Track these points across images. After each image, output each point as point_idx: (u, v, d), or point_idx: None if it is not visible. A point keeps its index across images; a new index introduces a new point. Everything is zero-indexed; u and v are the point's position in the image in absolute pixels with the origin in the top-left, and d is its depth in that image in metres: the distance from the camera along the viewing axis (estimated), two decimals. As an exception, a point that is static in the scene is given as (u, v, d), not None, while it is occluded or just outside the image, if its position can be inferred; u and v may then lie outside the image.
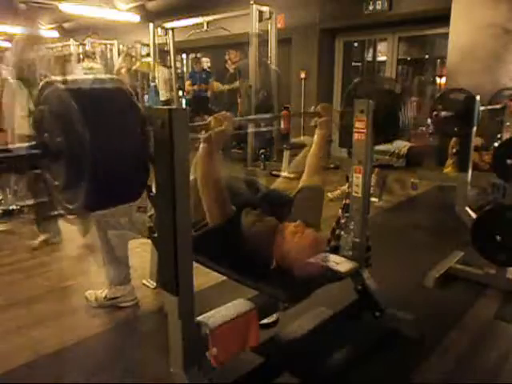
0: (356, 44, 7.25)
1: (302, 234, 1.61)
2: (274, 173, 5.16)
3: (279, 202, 1.84)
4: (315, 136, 1.98)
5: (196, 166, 1.53)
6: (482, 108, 2.57)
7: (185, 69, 9.48)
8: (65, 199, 1.08)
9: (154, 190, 1.25)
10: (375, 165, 3.78)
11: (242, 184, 1.89)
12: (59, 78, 0.98)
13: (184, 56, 9.34)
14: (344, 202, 2.21)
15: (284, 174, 4.90)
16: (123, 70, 7.23)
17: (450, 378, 1.76)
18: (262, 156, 5.90)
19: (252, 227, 1.63)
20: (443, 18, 5.00)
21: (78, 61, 7.86)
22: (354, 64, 7.35)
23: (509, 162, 2.53)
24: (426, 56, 6.90)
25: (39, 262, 2.93)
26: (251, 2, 4.91)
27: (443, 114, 2.59)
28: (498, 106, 3.14)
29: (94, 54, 8.29)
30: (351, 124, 2.00)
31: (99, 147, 0.93)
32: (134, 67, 7.33)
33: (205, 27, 5.83)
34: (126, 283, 2.27)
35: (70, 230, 3.64)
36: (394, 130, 2.09)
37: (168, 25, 6.61)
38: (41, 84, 1.04)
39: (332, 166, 6.06)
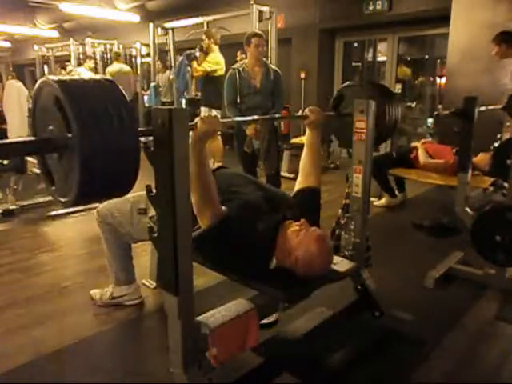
0: (356, 44, 7.25)
1: (307, 231, 1.61)
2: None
3: (280, 201, 1.84)
4: (306, 137, 1.98)
5: None
6: (482, 108, 2.57)
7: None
8: (58, 192, 1.10)
9: (153, 189, 1.25)
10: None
11: (243, 182, 1.89)
12: (54, 77, 1.01)
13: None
14: (344, 201, 2.21)
15: (284, 174, 4.92)
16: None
17: (450, 378, 1.76)
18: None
19: (252, 226, 1.63)
20: (443, 18, 5.00)
21: (79, 63, 7.88)
22: (354, 64, 7.35)
23: (509, 162, 2.53)
24: (426, 56, 6.90)
25: (39, 261, 2.93)
26: (251, 2, 4.90)
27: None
28: (498, 107, 3.14)
29: (94, 53, 8.31)
30: (341, 127, 2.02)
31: (87, 139, 0.95)
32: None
33: (205, 27, 5.83)
34: (132, 282, 2.28)
35: (70, 231, 3.64)
36: (386, 131, 2.11)
37: (168, 25, 6.60)
38: (37, 83, 1.07)
39: (332, 165, 6.07)
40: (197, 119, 1.47)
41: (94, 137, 0.96)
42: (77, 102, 0.96)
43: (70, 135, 0.97)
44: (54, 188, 1.13)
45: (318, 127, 1.94)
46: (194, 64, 5.34)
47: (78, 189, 1.00)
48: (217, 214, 1.57)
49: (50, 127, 1.04)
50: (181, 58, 6.05)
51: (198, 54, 5.38)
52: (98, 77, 1.03)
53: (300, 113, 1.95)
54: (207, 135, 1.49)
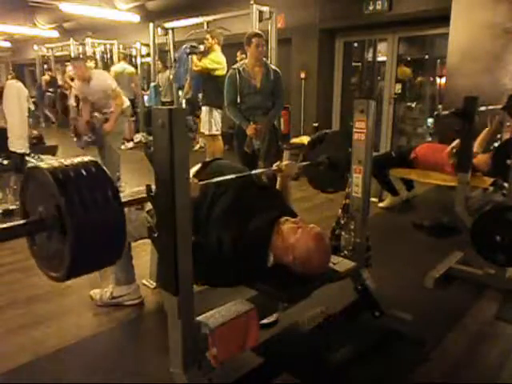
0: (356, 44, 7.25)
1: (305, 229, 1.61)
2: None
3: (276, 197, 1.85)
4: (278, 185, 2.05)
5: None
6: (482, 108, 2.57)
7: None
8: (49, 267, 1.17)
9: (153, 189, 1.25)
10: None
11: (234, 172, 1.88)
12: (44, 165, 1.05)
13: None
14: (344, 201, 2.21)
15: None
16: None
17: (449, 378, 1.77)
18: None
19: (247, 222, 1.63)
20: (443, 18, 5.00)
21: None
22: (354, 64, 7.35)
23: (509, 161, 2.53)
24: (426, 56, 6.90)
25: (39, 261, 2.93)
26: (251, 2, 4.91)
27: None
28: (498, 107, 3.14)
29: (94, 53, 8.31)
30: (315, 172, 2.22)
31: (76, 218, 1.00)
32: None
33: (205, 27, 5.83)
34: (131, 282, 2.29)
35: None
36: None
37: (168, 25, 6.61)
38: (27, 169, 1.12)
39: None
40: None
41: (82, 215, 1.01)
42: (65, 187, 1.00)
43: (60, 217, 1.01)
44: (43, 264, 1.19)
45: (290, 179, 2.06)
46: (194, 58, 5.34)
47: (68, 264, 1.06)
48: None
49: (40, 208, 1.08)
50: (184, 46, 6.01)
51: (202, 48, 5.38)
52: (84, 159, 1.08)
53: (275, 166, 2.01)
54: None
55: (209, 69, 5.11)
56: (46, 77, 10.35)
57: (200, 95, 5.99)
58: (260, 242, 1.62)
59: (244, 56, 4.28)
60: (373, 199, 4.00)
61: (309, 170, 2.26)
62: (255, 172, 1.87)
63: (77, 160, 1.07)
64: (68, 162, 1.06)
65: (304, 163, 2.19)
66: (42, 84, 10.44)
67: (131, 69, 7.66)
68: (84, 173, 1.04)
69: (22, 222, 1.13)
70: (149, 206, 1.88)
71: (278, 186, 2.05)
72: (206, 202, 1.73)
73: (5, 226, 1.07)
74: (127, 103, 4.75)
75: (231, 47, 5.71)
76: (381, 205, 4.20)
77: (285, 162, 1.99)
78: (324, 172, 2.17)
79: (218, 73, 5.07)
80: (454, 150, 3.63)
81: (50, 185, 1.00)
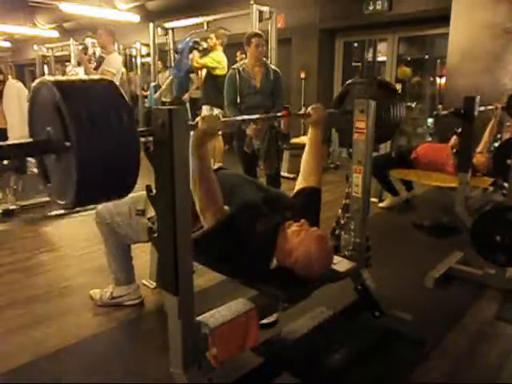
0: (356, 44, 7.25)
1: (307, 231, 1.60)
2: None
3: (280, 201, 1.84)
4: (308, 136, 1.97)
5: None
6: (482, 108, 2.57)
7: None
8: (56, 194, 1.09)
9: (153, 189, 1.25)
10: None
11: (243, 183, 1.89)
12: (52, 78, 1.00)
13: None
14: (344, 202, 2.21)
15: (284, 174, 4.92)
16: None
17: (450, 377, 1.77)
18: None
19: (252, 227, 1.62)
20: (443, 18, 5.00)
21: (79, 63, 7.88)
22: (354, 64, 7.35)
23: (509, 161, 2.53)
24: (426, 56, 6.90)
25: (39, 261, 2.93)
26: (251, 2, 4.91)
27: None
28: (499, 106, 3.14)
29: (94, 53, 8.30)
30: (345, 125, 2.01)
31: (85, 141, 0.94)
32: None
33: (205, 27, 5.83)
34: (131, 282, 2.29)
35: (70, 231, 3.64)
36: (389, 130, 2.11)
37: (168, 25, 6.60)
38: (34, 84, 1.06)
39: (332, 165, 6.07)
40: (198, 118, 1.47)
41: (93, 138, 0.95)
42: (75, 104, 0.95)
43: (67, 137, 0.96)
44: (51, 190, 1.12)
45: (321, 125, 1.93)
46: (195, 55, 5.37)
47: (75, 191, 0.99)
48: (221, 213, 1.57)
49: (48, 128, 1.02)
50: (188, 38, 6.00)
51: (205, 45, 5.40)
52: (96, 77, 1.00)
53: (303, 111, 1.95)
54: (208, 134, 1.49)
55: (209, 67, 5.14)
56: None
57: (186, 95, 6.11)
58: (264, 246, 1.62)
59: (244, 56, 4.28)
60: (373, 199, 4.00)
61: (340, 127, 2.17)
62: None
63: (90, 77, 1.00)
64: (79, 78, 0.99)
65: (332, 110, 2.09)
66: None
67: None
68: (96, 90, 0.97)
69: (28, 140, 1.05)
70: (150, 212, 1.90)
71: (308, 139, 1.96)
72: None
73: (9, 143, 0.99)
74: None
75: (231, 47, 5.70)
76: (381, 205, 4.20)
77: (312, 106, 1.91)
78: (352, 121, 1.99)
79: (217, 72, 5.08)
80: (454, 150, 3.64)
81: (56, 100, 0.94)
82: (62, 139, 0.97)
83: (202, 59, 5.21)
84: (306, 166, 1.94)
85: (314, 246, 1.57)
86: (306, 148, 1.96)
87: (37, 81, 1.06)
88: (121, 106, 1.01)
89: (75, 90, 0.99)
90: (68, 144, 0.96)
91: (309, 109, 1.90)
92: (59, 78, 1.01)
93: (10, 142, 1.00)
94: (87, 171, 0.97)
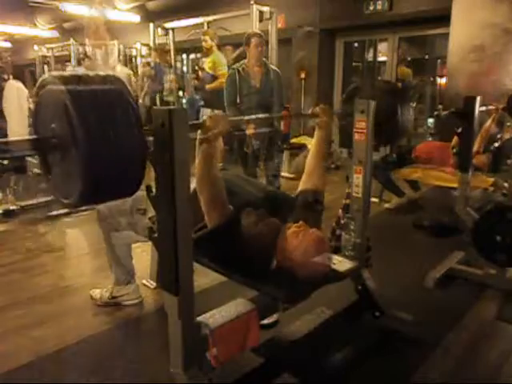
0: (356, 44, 7.25)
1: (306, 233, 1.61)
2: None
3: (281, 202, 1.84)
4: (314, 137, 1.97)
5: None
6: (482, 108, 2.57)
7: (185, 69, 9.48)
8: (60, 193, 1.08)
9: (153, 189, 1.25)
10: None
11: (243, 184, 1.89)
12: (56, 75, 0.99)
13: (184, 56, 9.35)
14: (344, 202, 2.21)
15: (284, 174, 4.92)
16: None
17: (450, 378, 1.76)
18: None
19: (253, 228, 1.63)
20: (443, 18, 5.00)
21: (79, 62, 7.87)
22: (354, 64, 7.35)
23: (509, 161, 2.53)
24: (426, 56, 6.90)
25: (39, 262, 2.93)
26: (251, 2, 4.91)
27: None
28: (499, 106, 3.14)
29: (94, 54, 8.29)
30: (351, 125, 2.00)
31: (91, 140, 0.93)
32: None
33: (205, 27, 5.83)
34: (131, 282, 2.29)
35: (70, 231, 3.64)
36: (396, 132, 2.11)
37: (168, 25, 6.60)
38: (39, 81, 1.05)
39: (333, 166, 6.06)
40: (205, 117, 1.46)
41: (99, 138, 0.94)
42: (81, 102, 0.94)
43: (73, 134, 0.95)
44: (55, 188, 1.11)
45: (327, 128, 1.94)
46: (202, 75, 5.23)
47: (80, 191, 0.98)
48: (226, 213, 1.57)
49: (53, 125, 1.01)
50: (154, 65, 6.37)
51: (204, 59, 5.35)
52: (103, 74, 0.98)
53: (310, 111, 1.94)
54: (217, 134, 1.48)
55: (219, 75, 4.98)
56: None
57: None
58: (265, 247, 1.62)
59: (233, 50, 4.26)
60: (373, 199, 4.00)
61: (342, 127, 2.16)
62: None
63: (96, 73, 0.97)
64: (85, 74, 0.97)
65: (340, 110, 2.11)
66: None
67: (127, 71, 7.65)
68: (102, 87, 0.95)
69: (33, 136, 1.04)
70: (151, 212, 1.89)
71: (314, 139, 1.95)
72: None
73: (14, 139, 1.00)
74: None
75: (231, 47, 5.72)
76: (387, 206, 4.19)
77: (320, 106, 1.90)
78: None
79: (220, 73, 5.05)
80: (454, 150, 3.63)
81: (63, 96, 0.92)
82: (67, 136, 0.96)
83: (215, 82, 5.01)
84: (310, 168, 1.95)
85: (311, 248, 1.58)
86: (311, 149, 1.97)
87: (42, 78, 1.05)
88: (128, 106, 1.00)
89: (82, 90, 0.97)
90: (73, 142, 0.95)
91: (317, 109, 1.91)
92: (65, 73, 0.99)
93: (14, 138, 1.00)
94: (93, 170, 0.96)
